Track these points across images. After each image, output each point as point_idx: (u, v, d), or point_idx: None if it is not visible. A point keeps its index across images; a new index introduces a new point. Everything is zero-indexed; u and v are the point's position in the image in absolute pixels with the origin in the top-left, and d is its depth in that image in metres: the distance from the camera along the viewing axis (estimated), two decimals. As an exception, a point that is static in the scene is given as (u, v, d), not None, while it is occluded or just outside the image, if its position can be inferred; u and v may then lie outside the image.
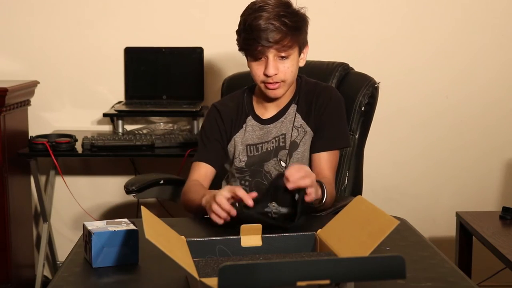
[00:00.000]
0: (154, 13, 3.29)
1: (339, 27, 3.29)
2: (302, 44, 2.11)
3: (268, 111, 2.20)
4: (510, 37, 3.31)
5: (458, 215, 2.80)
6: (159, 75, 3.26)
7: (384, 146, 3.29)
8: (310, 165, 2.13)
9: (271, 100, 2.17)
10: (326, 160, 2.11)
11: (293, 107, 2.18)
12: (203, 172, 2.16)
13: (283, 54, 2.04)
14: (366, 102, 2.39)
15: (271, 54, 2.03)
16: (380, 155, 3.28)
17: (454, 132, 3.35)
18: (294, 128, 2.15)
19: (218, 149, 2.19)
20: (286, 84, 2.10)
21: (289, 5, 2.08)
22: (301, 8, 2.11)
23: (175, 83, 3.27)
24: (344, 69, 2.52)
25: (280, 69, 2.05)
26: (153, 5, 3.29)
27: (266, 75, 2.06)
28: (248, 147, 2.18)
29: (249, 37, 2.03)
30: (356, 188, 2.39)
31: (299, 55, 2.11)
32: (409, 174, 3.38)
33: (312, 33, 3.20)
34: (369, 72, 2.50)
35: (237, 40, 2.11)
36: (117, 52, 3.28)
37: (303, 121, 2.16)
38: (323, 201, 1.92)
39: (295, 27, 2.04)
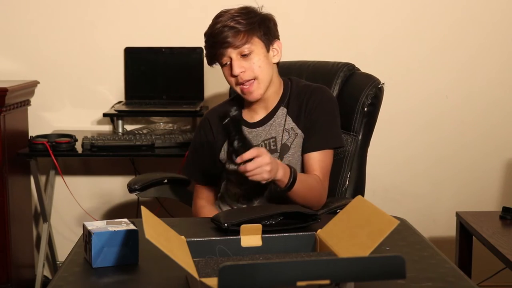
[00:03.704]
0: (154, 13, 3.29)
1: (348, 28, 3.29)
2: (265, 39, 2.10)
3: (257, 114, 2.20)
4: (510, 37, 3.31)
5: (458, 215, 2.80)
6: (159, 75, 3.26)
7: (384, 146, 3.29)
8: (302, 166, 2.14)
9: (257, 103, 2.17)
10: (316, 160, 2.10)
11: (282, 110, 2.17)
12: (205, 195, 2.27)
13: (245, 52, 2.06)
14: (369, 102, 2.36)
15: (233, 55, 2.07)
16: (380, 155, 3.27)
17: (454, 132, 3.35)
18: (284, 131, 2.15)
19: (210, 165, 2.23)
20: (261, 82, 2.09)
21: (247, 7, 2.12)
22: (260, 7, 2.14)
23: (175, 83, 3.27)
24: (349, 69, 2.49)
25: (247, 67, 2.07)
26: (153, 5, 3.29)
27: (234, 76, 2.08)
28: None
29: (209, 45, 2.10)
30: (358, 190, 2.35)
31: (267, 51, 2.11)
32: (409, 174, 3.38)
33: (322, 34, 3.25)
34: (373, 73, 2.48)
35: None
36: (117, 52, 3.28)
37: (293, 123, 2.15)
38: (286, 186, 1.94)
39: (248, 23, 2.06)
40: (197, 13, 3.29)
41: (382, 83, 2.41)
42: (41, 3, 3.28)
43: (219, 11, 2.13)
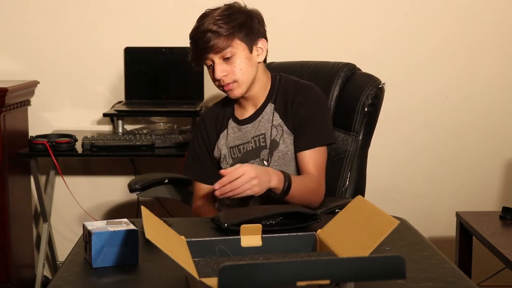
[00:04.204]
0: (154, 13, 3.29)
1: (348, 28, 3.29)
2: (247, 40, 2.11)
3: (246, 111, 2.22)
4: (510, 37, 3.31)
5: (458, 215, 2.80)
6: (159, 75, 3.26)
7: (384, 146, 3.29)
8: (296, 163, 2.15)
9: (245, 100, 2.19)
10: (309, 158, 2.12)
11: (270, 106, 2.19)
12: (205, 193, 2.24)
13: (226, 56, 2.08)
14: (370, 102, 2.35)
15: (216, 58, 2.08)
16: (380, 155, 3.27)
17: (454, 132, 3.35)
18: (273, 127, 2.16)
19: (208, 164, 2.25)
20: (242, 83, 2.11)
21: (231, 7, 2.11)
22: (246, 6, 2.13)
23: (175, 83, 3.27)
24: (349, 69, 2.48)
25: (228, 70, 2.09)
26: (153, 5, 3.29)
27: (216, 79, 2.10)
28: (231, 149, 2.20)
29: (192, 48, 2.12)
30: (358, 190, 2.34)
31: (250, 51, 2.12)
32: (409, 174, 3.38)
33: (322, 34, 3.25)
34: (373, 73, 2.48)
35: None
36: (117, 52, 3.28)
37: (281, 120, 2.16)
38: (282, 192, 1.95)
39: (230, 27, 2.07)
40: (197, 13, 3.25)
41: (383, 83, 2.41)
42: (41, 3, 3.28)
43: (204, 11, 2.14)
